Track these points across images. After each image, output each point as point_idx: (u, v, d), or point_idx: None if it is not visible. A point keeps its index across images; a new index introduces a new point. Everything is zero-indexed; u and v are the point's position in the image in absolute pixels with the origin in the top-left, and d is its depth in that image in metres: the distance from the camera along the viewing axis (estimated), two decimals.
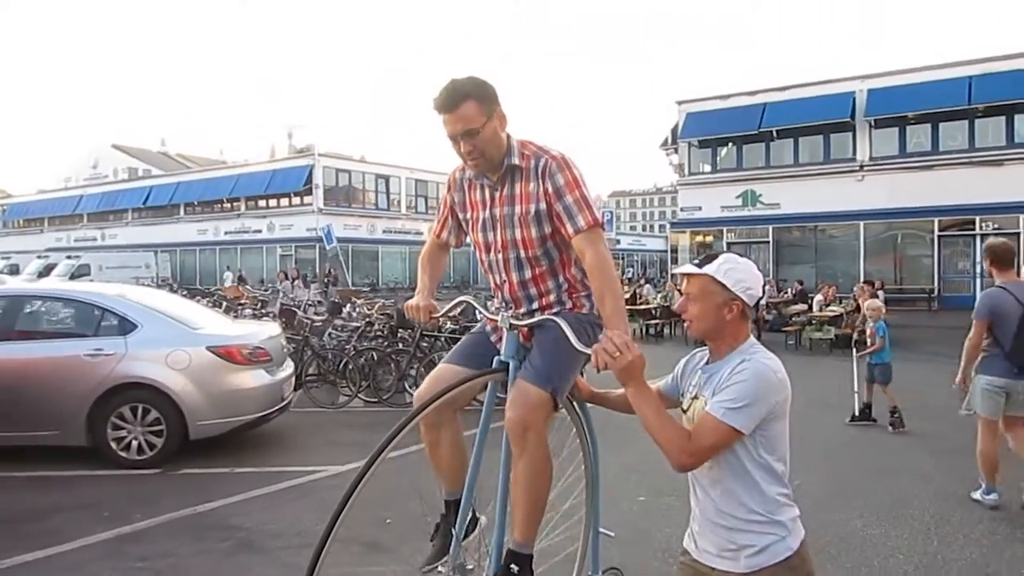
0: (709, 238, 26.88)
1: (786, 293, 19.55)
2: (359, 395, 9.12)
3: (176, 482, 5.97)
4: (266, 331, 7.28)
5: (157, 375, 6.24)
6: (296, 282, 25.58)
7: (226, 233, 41.90)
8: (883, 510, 5.26)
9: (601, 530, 2.76)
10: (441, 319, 2.63)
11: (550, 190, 2.43)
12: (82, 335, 6.45)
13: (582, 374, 2.61)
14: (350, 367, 9.28)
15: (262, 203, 40.96)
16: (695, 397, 2.13)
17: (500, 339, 2.56)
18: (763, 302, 15.99)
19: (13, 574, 4.26)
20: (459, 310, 2.66)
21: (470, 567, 2.61)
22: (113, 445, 6.23)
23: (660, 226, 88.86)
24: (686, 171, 27.22)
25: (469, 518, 2.59)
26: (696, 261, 2.14)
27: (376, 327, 10.42)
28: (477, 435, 2.47)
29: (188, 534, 4.93)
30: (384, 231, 41.25)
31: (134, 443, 6.26)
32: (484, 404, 2.51)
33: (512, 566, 2.40)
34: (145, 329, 6.42)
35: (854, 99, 22.93)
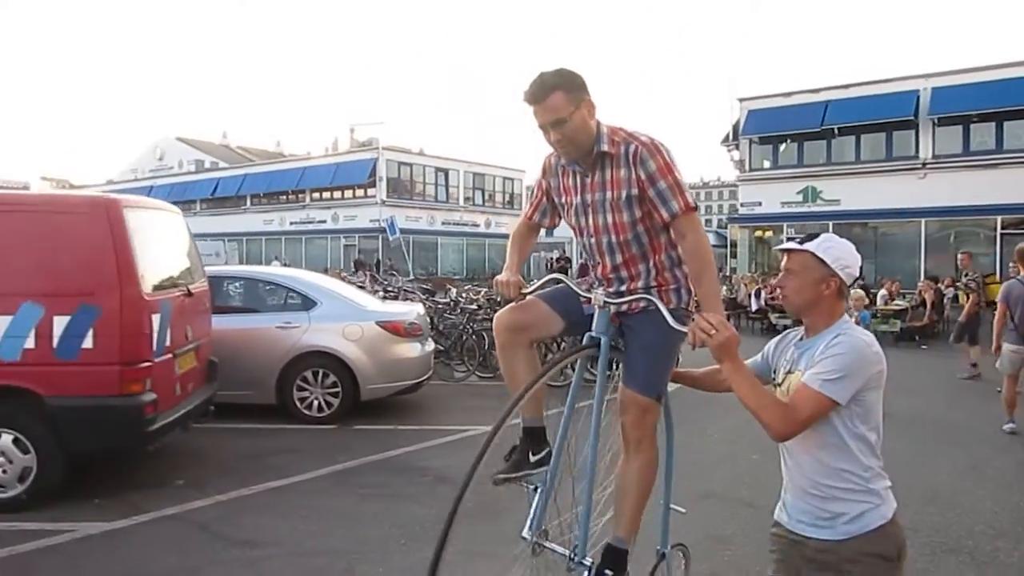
0: (769, 233, 27.41)
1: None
2: (475, 371, 10.19)
3: (355, 435, 7.08)
4: (416, 309, 8.38)
5: (335, 344, 7.36)
6: (367, 272, 26.81)
7: (291, 224, 43.49)
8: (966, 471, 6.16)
9: (672, 507, 2.86)
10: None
11: (643, 176, 2.46)
12: (273, 310, 7.62)
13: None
14: (467, 345, 10.36)
15: (326, 195, 42.42)
16: (789, 371, 2.21)
17: (587, 303, 2.58)
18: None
19: (266, 497, 5.37)
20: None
21: (550, 542, 2.54)
22: (298, 404, 7.38)
23: (718, 220, 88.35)
24: (747, 167, 27.76)
25: (542, 455, 2.56)
26: (798, 238, 2.23)
27: (483, 311, 11.49)
28: (564, 412, 2.49)
29: (389, 472, 6.01)
30: (443, 223, 42.42)
31: (315, 402, 7.40)
32: (572, 381, 2.54)
33: (607, 570, 2.49)
34: (324, 306, 7.56)
35: (918, 97, 23.25)
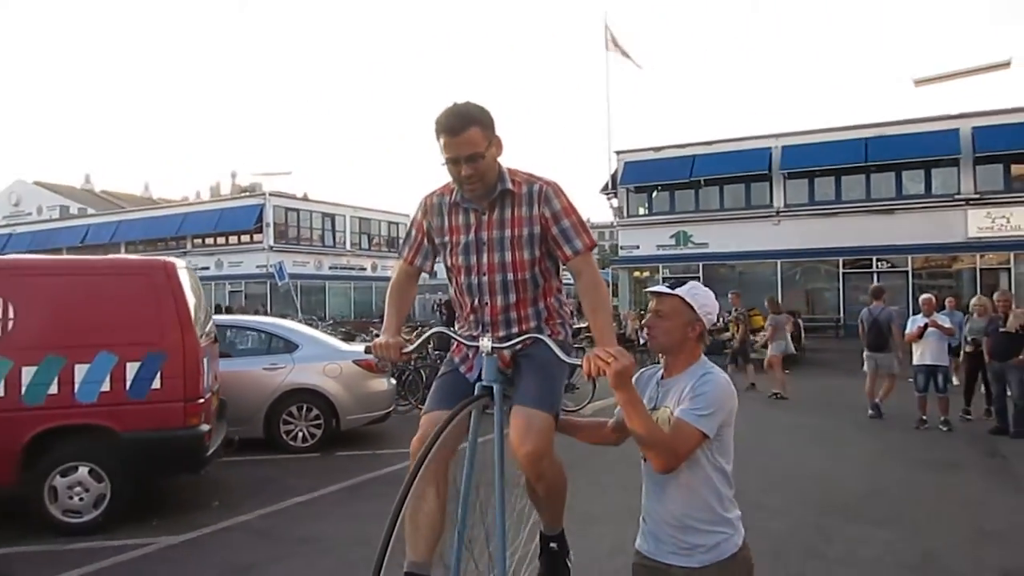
0: (646, 274, 29.92)
1: (717, 323, 22.57)
2: (417, 405, 11.26)
3: (343, 460, 8.05)
4: None
5: (318, 382, 8.34)
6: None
7: None
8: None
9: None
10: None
11: (547, 215, 2.52)
12: (259, 353, 8.49)
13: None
14: (409, 380, 11.43)
15: (209, 240, 41.83)
16: (655, 408, 2.31)
17: (471, 368, 2.62)
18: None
19: (299, 509, 6.30)
20: (430, 344, 2.61)
21: None
22: (284, 436, 8.27)
23: (597, 259, 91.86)
24: (625, 213, 30.33)
25: None
26: (668, 284, 2.36)
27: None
28: (465, 466, 2.54)
29: (392, 484, 7.04)
30: (330, 267, 42.76)
31: (299, 434, 8.31)
32: (469, 434, 2.52)
33: (551, 544, 2.68)
34: (305, 348, 8.53)
35: (771, 154, 26.49)
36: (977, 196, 24.06)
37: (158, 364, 5.65)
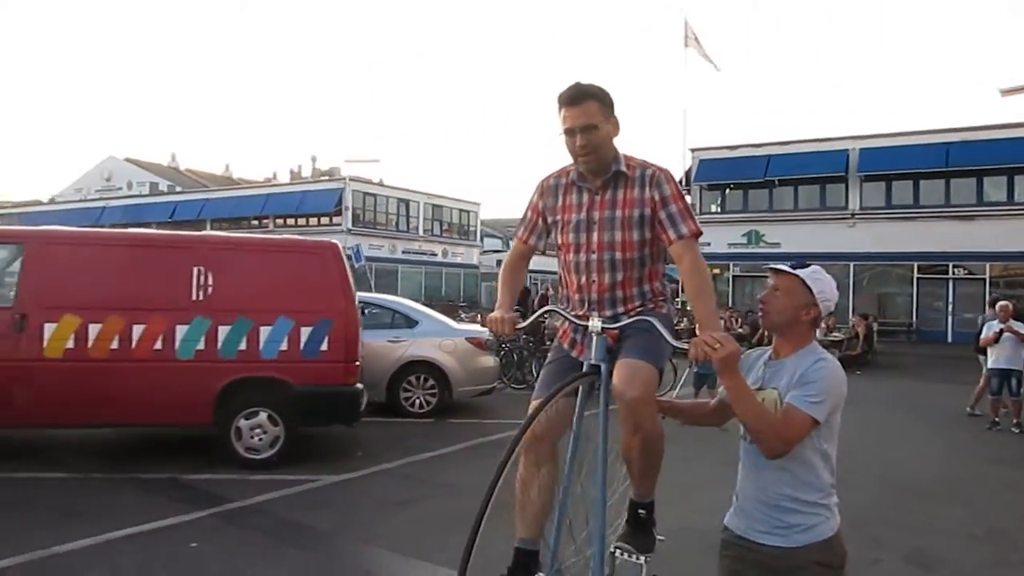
0: (716, 271, 30.32)
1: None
2: (510, 384, 12.21)
3: (450, 427, 9.03)
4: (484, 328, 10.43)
5: (434, 355, 9.33)
6: None
7: None
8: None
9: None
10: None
11: (656, 198, 2.60)
12: (383, 327, 9.53)
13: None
14: (504, 362, 12.37)
15: (291, 221, 43.66)
16: (760, 388, 2.30)
17: (581, 352, 2.67)
18: None
19: (434, 461, 7.26)
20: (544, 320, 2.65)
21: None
22: (404, 403, 9.30)
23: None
24: (697, 211, 30.75)
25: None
26: (791, 264, 2.33)
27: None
28: (570, 444, 2.56)
29: (499, 451, 8.00)
30: (403, 251, 44.21)
31: (417, 401, 9.34)
32: (576, 411, 2.56)
33: (639, 511, 2.70)
34: (424, 324, 9.54)
35: (848, 156, 26.59)
36: None
37: (326, 329, 6.67)
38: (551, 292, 30.43)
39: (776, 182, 28.33)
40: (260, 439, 6.64)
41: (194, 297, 6.49)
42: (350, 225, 40.95)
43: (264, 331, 6.58)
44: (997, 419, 9.99)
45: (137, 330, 6.35)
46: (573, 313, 2.71)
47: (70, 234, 7.53)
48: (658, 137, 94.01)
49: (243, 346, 6.54)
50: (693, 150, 30.38)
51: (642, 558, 2.73)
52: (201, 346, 6.47)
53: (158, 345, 6.39)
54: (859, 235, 26.47)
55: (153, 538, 4.93)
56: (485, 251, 51.09)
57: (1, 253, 6.69)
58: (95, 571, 4.41)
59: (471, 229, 49.52)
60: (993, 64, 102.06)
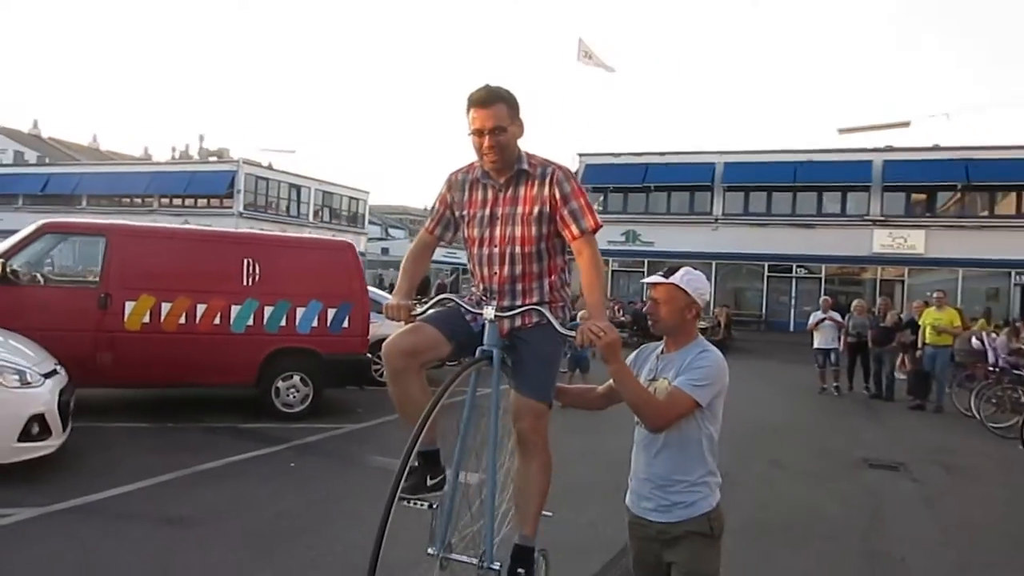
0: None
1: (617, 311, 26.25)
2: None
3: None
4: None
5: None
6: None
7: None
8: None
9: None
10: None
11: (557, 195, 2.72)
12: None
13: None
14: None
15: (178, 202, 43.08)
16: (654, 379, 2.59)
17: (474, 320, 2.78)
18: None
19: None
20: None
21: (457, 549, 2.75)
22: (375, 374, 11.19)
23: None
24: None
25: (438, 480, 2.74)
26: (661, 273, 2.60)
27: None
28: (462, 425, 2.70)
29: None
30: None
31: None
32: (468, 394, 2.69)
33: (519, 570, 2.70)
34: None
35: (714, 169, 30.31)
36: (883, 218, 28.49)
37: (347, 311, 8.56)
38: (448, 281, 32.60)
39: (652, 188, 31.72)
40: (294, 396, 8.46)
41: (245, 283, 8.20)
42: (241, 209, 41.10)
43: (300, 311, 8.38)
44: (824, 385, 13.16)
45: (200, 308, 7.99)
46: (469, 301, 2.83)
47: (145, 228, 9.10)
48: (548, 139, 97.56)
49: (283, 323, 8.32)
50: (581, 155, 33.26)
51: None
52: (250, 322, 8.20)
53: (216, 321, 8.06)
54: (721, 238, 30.24)
55: (258, 461, 6.76)
56: (371, 239, 52.18)
57: (87, 243, 8.10)
58: (235, 479, 6.22)
59: (360, 217, 50.51)
60: (836, 95, 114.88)
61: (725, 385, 2.54)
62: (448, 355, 2.78)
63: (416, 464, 2.61)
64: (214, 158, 47.04)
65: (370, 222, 54.55)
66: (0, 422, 5.36)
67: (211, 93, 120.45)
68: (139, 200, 43.31)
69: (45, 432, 5.61)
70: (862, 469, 7.94)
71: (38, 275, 8.31)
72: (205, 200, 42.42)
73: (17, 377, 5.57)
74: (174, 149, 52.84)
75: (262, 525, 5.17)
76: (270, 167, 47.07)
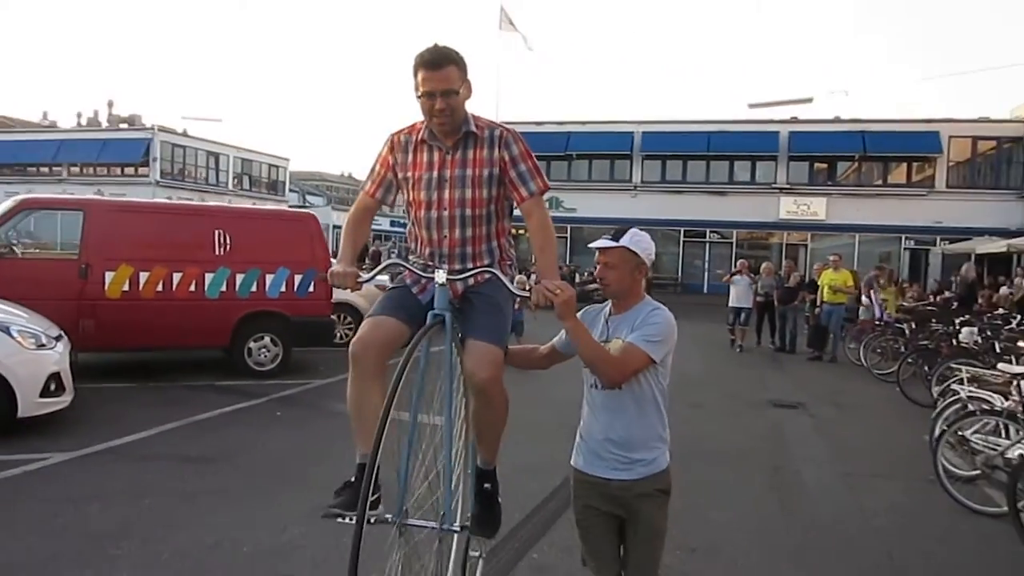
0: (522, 231, 34.42)
1: (584, 275, 27.60)
2: None
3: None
4: None
5: (351, 299, 12.01)
6: None
7: None
8: None
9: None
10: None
11: (506, 158, 2.70)
12: None
13: None
14: None
15: (89, 170, 41.64)
16: (606, 340, 2.60)
17: (423, 291, 2.73)
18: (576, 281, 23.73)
19: None
20: (387, 274, 2.81)
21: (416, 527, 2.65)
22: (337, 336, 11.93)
23: None
24: None
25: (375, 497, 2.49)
26: (609, 236, 2.61)
27: None
28: (413, 394, 2.51)
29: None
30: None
31: (340, 334, 12.01)
32: (421, 358, 2.51)
33: (485, 486, 2.82)
34: None
35: (633, 138, 31.69)
36: (788, 186, 30.53)
37: (312, 276, 9.27)
38: (382, 249, 32.94)
39: (574, 156, 32.86)
40: (264, 356, 9.17)
41: (217, 252, 8.82)
42: (158, 177, 40.17)
43: (269, 277, 9.06)
44: (738, 342, 14.63)
45: (176, 277, 8.58)
46: (418, 265, 2.79)
47: (121, 203, 9.65)
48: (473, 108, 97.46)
49: (254, 288, 8.99)
50: (504, 123, 34.04)
51: (479, 551, 3.06)
52: (224, 288, 8.83)
53: (192, 288, 8.67)
54: (640, 204, 31.67)
55: (247, 411, 7.52)
56: (291, 206, 51.72)
57: (67, 217, 8.54)
58: (232, 427, 6.98)
59: (280, 184, 49.97)
60: (747, 72, 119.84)
61: (674, 342, 2.63)
62: (408, 338, 2.66)
63: (352, 480, 2.57)
64: (125, 125, 45.46)
65: (290, 190, 53.95)
66: (25, 380, 5.95)
67: (119, 57, 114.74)
68: (46, 169, 41.70)
69: (60, 389, 6.24)
70: (768, 408, 9.29)
71: (16, 247, 8.69)
72: (119, 168, 41.23)
73: (34, 340, 6.17)
74: (80, 115, 50.42)
75: (271, 460, 6.00)
76: (185, 134, 46.00)
